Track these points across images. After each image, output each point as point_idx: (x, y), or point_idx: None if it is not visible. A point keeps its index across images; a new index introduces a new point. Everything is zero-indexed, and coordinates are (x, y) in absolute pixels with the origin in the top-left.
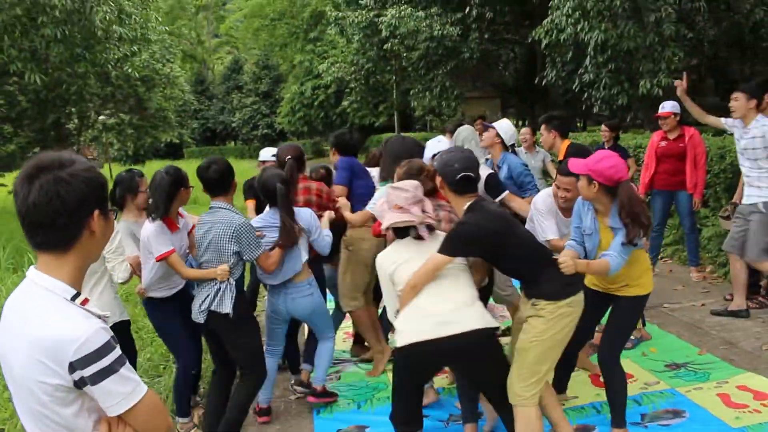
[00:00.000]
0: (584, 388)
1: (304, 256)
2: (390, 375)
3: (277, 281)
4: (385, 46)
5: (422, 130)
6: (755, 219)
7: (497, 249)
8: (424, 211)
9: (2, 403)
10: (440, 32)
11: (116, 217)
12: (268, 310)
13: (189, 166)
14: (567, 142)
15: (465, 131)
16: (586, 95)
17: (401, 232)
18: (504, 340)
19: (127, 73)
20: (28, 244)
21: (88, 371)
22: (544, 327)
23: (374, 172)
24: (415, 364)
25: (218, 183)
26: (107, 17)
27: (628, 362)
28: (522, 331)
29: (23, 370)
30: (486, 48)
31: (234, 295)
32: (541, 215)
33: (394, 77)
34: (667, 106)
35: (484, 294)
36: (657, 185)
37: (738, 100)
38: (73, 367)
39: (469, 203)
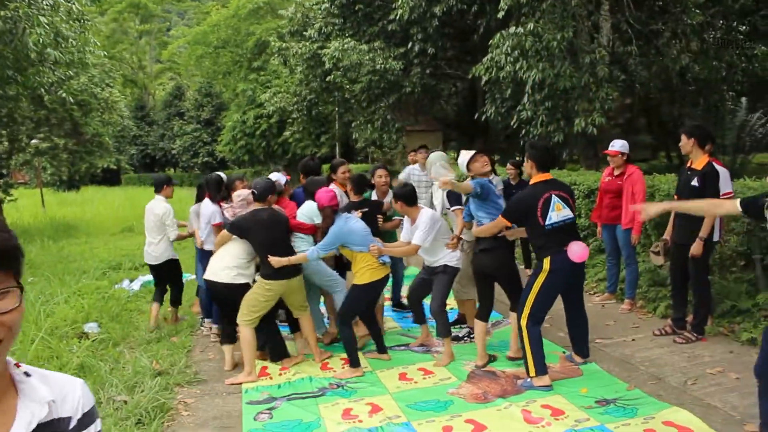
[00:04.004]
0: (516, 425)
1: None
2: (323, 410)
3: None
4: (328, 78)
5: (364, 161)
6: None
7: (246, 236)
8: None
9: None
10: (383, 66)
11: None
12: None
13: (126, 193)
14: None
15: (435, 156)
16: (524, 131)
17: None
18: None
19: (62, 97)
20: None
21: None
22: (255, 288)
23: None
24: (209, 290)
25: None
26: (41, 40)
27: (559, 398)
28: None
29: None
30: (428, 82)
31: None
32: None
33: (336, 109)
34: (617, 145)
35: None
36: (602, 219)
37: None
38: None
39: (253, 208)
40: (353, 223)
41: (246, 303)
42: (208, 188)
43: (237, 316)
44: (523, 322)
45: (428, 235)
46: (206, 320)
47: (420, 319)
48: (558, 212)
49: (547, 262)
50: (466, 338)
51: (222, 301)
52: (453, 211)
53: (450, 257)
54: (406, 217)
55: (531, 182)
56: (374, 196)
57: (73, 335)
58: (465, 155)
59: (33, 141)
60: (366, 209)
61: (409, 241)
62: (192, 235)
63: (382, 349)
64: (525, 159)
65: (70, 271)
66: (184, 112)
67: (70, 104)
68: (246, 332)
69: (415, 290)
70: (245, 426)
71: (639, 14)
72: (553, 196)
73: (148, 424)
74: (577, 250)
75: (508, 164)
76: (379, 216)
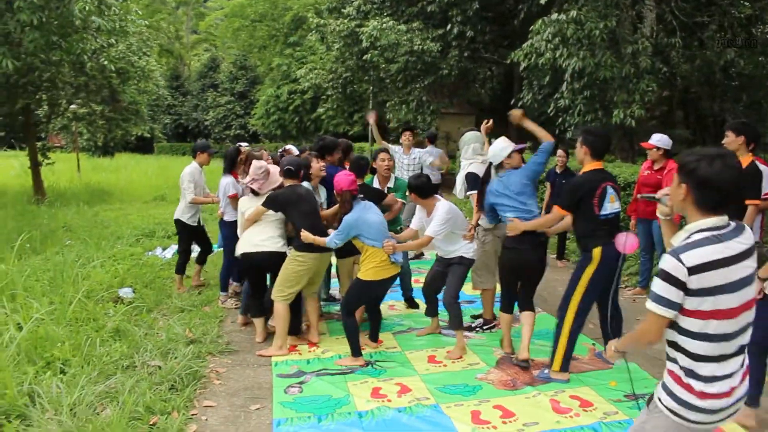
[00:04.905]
0: (544, 414)
1: None
2: (352, 388)
3: None
4: (364, 57)
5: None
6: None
7: (284, 211)
8: (255, 181)
9: None
10: (420, 47)
11: None
12: None
13: (159, 162)
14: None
15: (470, 136)
16: (560, 120)
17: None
18: None
19: (103, 64)
20: None
21: None
22: (287, 263)
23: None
24: (246, 263)
25: None
26: (87, 7)
27: (588, 390)
28: None
29: None
30: (465, 65)
31: None
32: None
33: (371, 88)
34: (654, 139)
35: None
36: (638, 213)
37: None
38: None
39: (288, 184)
40: (371, 214)
41: (280, 279)
42: (224, 160)
43: (263, 290)
44: (570, 315)
45: (442, 227)
46: (233, 282)
47: (433, 312)
48: (612, 204)
49: (597, 252)
50: (478, 329)
51: (253, 275)
52: (469, 195)
53: (466, 248)
54: (419, 206)
55: (583, 170)
56: (375, 182)
57: (109, 299)
58: (506, 145)
59: (72, 106)
60: (361, 196)
61: (418, 229)
62: (212, 202)
63: (374, 337)
64: (578, 144)
65: (104, 236)
66: (218, 83)
67: (109, 72)
68: (279, 307)
69: (430, 283)
70: (276, 398)
71: (684, 5)
72: (609, 187)
73: (181, 390)
74: (627, 241)
75: (559, 150)
76: None
